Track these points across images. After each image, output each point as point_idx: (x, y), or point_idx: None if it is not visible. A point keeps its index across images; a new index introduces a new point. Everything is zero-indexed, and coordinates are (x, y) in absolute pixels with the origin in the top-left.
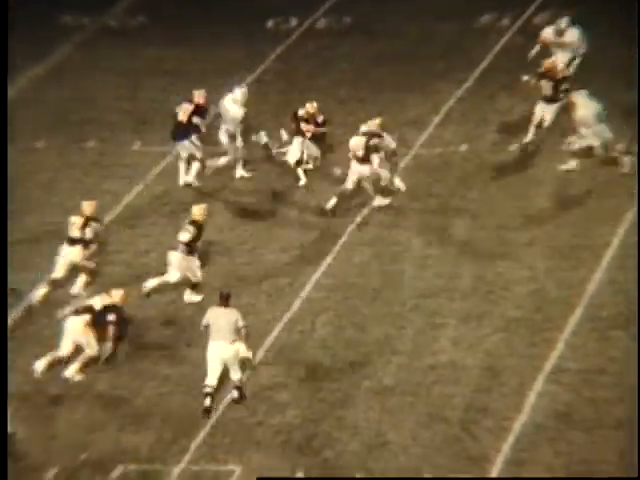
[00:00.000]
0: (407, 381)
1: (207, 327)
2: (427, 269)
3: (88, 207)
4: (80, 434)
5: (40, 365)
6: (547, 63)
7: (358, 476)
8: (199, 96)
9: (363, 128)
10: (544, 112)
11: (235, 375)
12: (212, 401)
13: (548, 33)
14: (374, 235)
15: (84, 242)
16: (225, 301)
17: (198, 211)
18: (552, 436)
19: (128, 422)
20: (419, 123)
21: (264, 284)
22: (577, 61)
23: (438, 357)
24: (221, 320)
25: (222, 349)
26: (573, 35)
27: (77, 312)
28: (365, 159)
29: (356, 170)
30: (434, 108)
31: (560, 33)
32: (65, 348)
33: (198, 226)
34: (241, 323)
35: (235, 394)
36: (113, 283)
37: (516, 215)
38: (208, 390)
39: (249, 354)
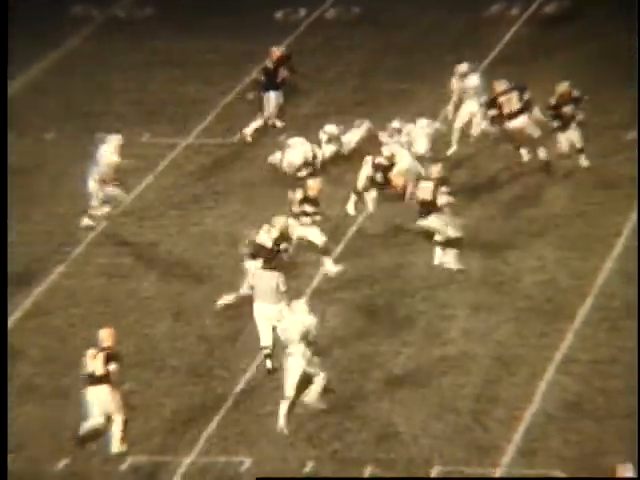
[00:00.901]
0: (417, 372)
1: (252, 288)
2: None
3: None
4: None
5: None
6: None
7: (369, 467)
8: (274, 53)
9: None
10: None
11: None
12: (272, 361)
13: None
14: (384, 225)
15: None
16: (268, 264)
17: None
18: (563, 426)
19: (138, 413)
20: (429, 114)
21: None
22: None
23: (448, 348)
24: (263, 283)
25: (265, 310)
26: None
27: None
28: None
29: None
30: (444, 99)
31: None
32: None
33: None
34: (283, 288)
35: (268, 364)
36: (121, 276)
37: (526, 206)
38: (266, 352)
39: None
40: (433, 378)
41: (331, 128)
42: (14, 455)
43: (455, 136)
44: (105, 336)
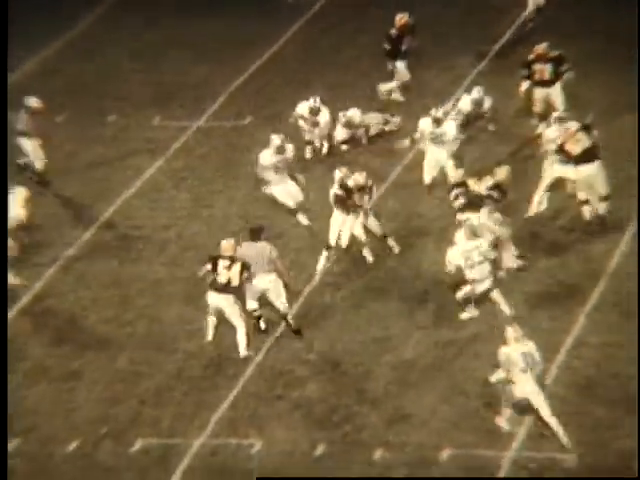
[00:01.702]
0: (428, 355)
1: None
2: (447, 243)
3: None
4: (101, 408)
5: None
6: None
7: (379, 450)
8: (400, 19)
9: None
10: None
11: (280, 306)
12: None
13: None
14: (394, 209)
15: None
16: (256, 235)
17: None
18: (573, 410)
19: (148, 396)
20: (440, 96)
21: (285, 259)
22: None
23: (459, 331)
24: (253, 253)
25: (258, 280)
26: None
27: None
28: None
29: None
30: (455, 81)
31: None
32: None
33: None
34: (274, 254)
35: (283, 325)
36: (134, 259)
37: (535, 188)
38: (256, 314)
39: (286, 279)
40: (444, 362)
41: (353, 112)
42: (25, 437)
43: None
44: (228, 247)
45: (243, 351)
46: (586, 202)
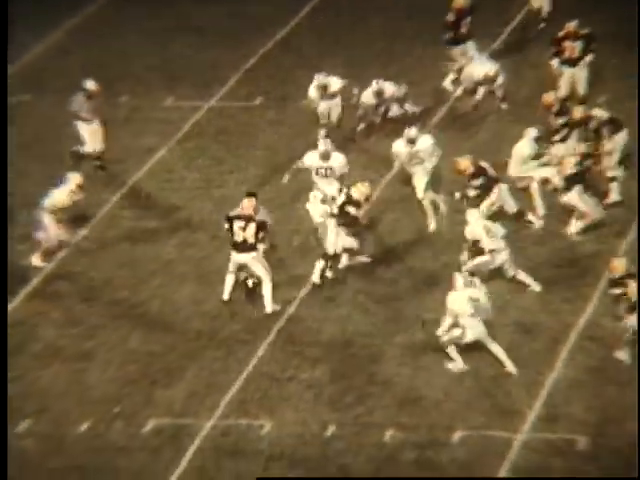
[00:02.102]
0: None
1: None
2: (460, 225)
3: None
4: (113, 388)
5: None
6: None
7: (390, 432)
8: (457, 3)
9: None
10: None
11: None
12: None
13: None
14: (405, 192)
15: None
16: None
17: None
18: (585, 391)
19: (160, 376)
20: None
21: (295, 239)
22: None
23: None
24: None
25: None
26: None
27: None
28: None
29: None
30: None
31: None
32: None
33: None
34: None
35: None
36: (146, 240)
37: None
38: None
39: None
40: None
41: (387, 85)
42: (37, 418)
43: (429, 214)
44: (248, 205)
45: (269, 307)
46: (612, 179)
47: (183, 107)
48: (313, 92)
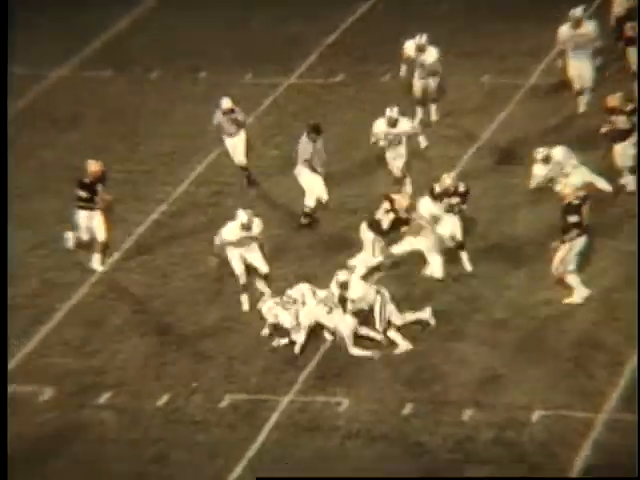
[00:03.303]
0: (520, 315)
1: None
2: (542, 204)
3: None
4: (190, 364)
5: None
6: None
7: (468, 411)
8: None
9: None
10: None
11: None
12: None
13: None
14: (486, 168)
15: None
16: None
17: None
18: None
19: (238, 352)
20: (535, 53)
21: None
22: None
23: (552, 292)
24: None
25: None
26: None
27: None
28: None
29: None
30: (551, 37)
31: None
32: None
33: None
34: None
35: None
36: (223, 216)
37: None
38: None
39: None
40: (536, 322)
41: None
42: (116, 391)
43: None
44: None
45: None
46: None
47: (262, 84)
48: (410, 50)
